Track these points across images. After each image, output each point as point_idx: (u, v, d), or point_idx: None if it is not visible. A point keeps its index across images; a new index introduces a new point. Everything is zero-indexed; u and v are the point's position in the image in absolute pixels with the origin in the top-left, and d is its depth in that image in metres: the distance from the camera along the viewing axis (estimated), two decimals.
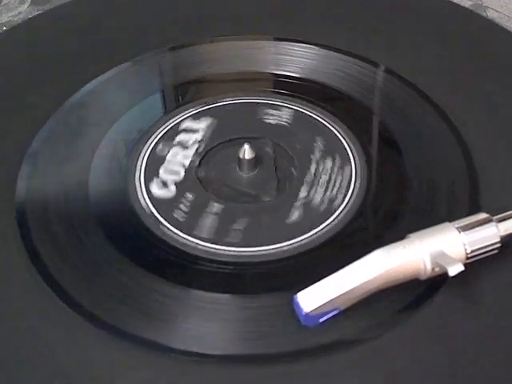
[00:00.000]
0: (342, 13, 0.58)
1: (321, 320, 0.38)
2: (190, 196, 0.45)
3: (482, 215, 0.40)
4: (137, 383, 0.36)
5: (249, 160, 0.46)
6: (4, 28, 0.60)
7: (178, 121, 0.50)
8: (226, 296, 0.40)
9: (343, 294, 0.37)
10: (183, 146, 0.48)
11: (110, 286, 0.40)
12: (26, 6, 0.63)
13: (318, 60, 0.54)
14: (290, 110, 0.50)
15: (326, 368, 0.37)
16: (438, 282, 0.39)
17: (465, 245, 0.38)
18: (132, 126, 0.50)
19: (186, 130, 0.49)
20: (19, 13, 0.62)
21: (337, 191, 0.45)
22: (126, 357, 0.37)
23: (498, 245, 0.39)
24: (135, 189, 0.45)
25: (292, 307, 0.38)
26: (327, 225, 0.43)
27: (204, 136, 0.49)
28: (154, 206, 0.44)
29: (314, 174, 0.46)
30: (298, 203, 0.44)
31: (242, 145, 0.46)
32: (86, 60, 0.54)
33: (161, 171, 0.47)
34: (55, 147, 0.48)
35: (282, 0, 0.60)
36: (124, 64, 0.54)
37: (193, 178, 0.46)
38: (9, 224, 0.43)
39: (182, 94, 0.54)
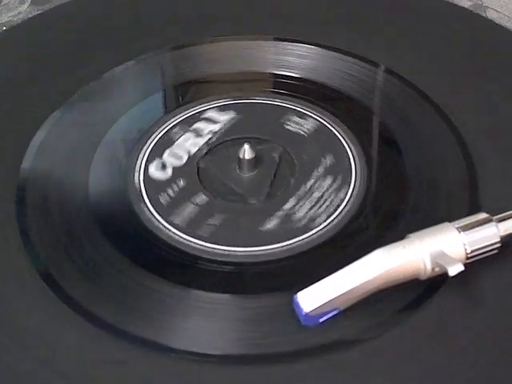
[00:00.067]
0: (342, 13, 0.58)
1: (321, 320, 0.38)
2: (181, 183, 0.45)
3: (482, 215, 0.40)
4: (137, 383, 0.36)
5: (248, 160, 0.46)
6: (4, 28, 0.60)
7: (204, 108, 0.50)
8: (226, 296, 0.40)
9: (343, 294, 0.37)
10: (197, 133, 0.48)
11: (110, 286, 0.40)
12: (25, 6, 0.63)
13: (317, 60, 0.54)
14: (315, 122, 0.49)
15: (326, 368, 0.37)
16: (437, 282, 0.39)
17: (465, 245, 0.38)
18: (132, 126, 0.50)
19: (206, 119, 0.49)
20: (19, 13, 0.62)
21: (322, 211, 0.44)
22: (125, 357, 0.37)
23: (498, 245, 0.39)
24: (135, 190, 0.45)
25: (292, 307, 0.38)
26: (327, 225, 0.43)
27: (221, 129, 0.49)
28: (146, 189, 0.45)
29: (309, 188, 0.45)
30: (279, 213, 0.44)
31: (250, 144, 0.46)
32: (86, 60, 0.54)
33: (165, 153, 0.47)
34: (55, 147, 0.48)
35: (282, 0, 0.60)
36: (124, 64, 0.54)
37: (192, 167, 0.47)
38: (9, 224, 0.43)
39: (182, 94, 0.54)
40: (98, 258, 0.42)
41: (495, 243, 0.39)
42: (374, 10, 0.59)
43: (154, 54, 0.55)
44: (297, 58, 0.54)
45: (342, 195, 0.44)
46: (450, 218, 0.40)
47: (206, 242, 0.42)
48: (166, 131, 0.49)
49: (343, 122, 0.49)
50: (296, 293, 0.38)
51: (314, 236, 0.42)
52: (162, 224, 0.43)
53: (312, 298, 0.37)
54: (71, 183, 0.46)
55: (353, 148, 0.48)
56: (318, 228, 0.43)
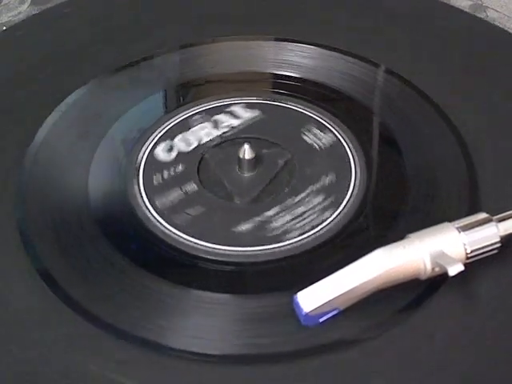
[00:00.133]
0: (341, 13, 0.58)
1: (321, 320, 0.38)
2: (180, 168, 0.45)
3: (482, 215, 0.40)
4: (137, 383, 0.36)
5: (248, 160, 0.46)
6: (4, 28, 0.60)
7: (232, 102, 0.50)
8: (226, 296, 0.40)
9: (343, 293, 0.37)
10: (216, 124, 0.48)
11: (110, 285, 0.40)
12: (25, 6, 0.63)
13: (318, 60, 0.54)
14: (333, 138, 0.48)
15: (326, 368, 0.37)
16: (437, 282, 0.39)
17: (465, 245, 0.38)
18: (132, 126, 0.50)
19: (230, 113, 0.49)
20: (19, 13, 0.62)
21: (299, 226, 0.43)
22: (125, 357, 0.37)
23: (498, 245, 0.39)
24: (135, 190, 0.45)
25: (292, 307, 0.38)
26: (327, 225, 0.43)
27: (240, 125, 0.49)
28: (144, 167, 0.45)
29: (297, 202, 0.44)
30: (257, 218, 0.43)
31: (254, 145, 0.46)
32: (85, 60, 0.54)
33: (178, 137, 0.47)
34: (55, 147, 0.48)
35: (282, 0, 0.60)
36: (124, 64, 0.54)
37: (196, 155, 0.47)
38: (9, 224, 0.43)
39: (183, 94, 0.54)
40: (97, 258, 0.42)
41: (495, 243, 0.39)
42: (373, 10, 0.59)
43: (153, 54, 0.55)
44: (297, 58, 0.54)
45: (326, 215, 0.43)
46: (450, 218, 0.40)
47: (178, 230, 0.42)
48: (186, 117, 0.49)
49: (343, 122, 0.49)
50: (296, 293, 0.38)
51: (314, 236, 0.42)
52: (163, 225, 0.43)
53: (312, 298, 0.37)
54: (71, 183, 0.46)
55: (353, 148, 0.47)
56: (286, 242, 0.42)
